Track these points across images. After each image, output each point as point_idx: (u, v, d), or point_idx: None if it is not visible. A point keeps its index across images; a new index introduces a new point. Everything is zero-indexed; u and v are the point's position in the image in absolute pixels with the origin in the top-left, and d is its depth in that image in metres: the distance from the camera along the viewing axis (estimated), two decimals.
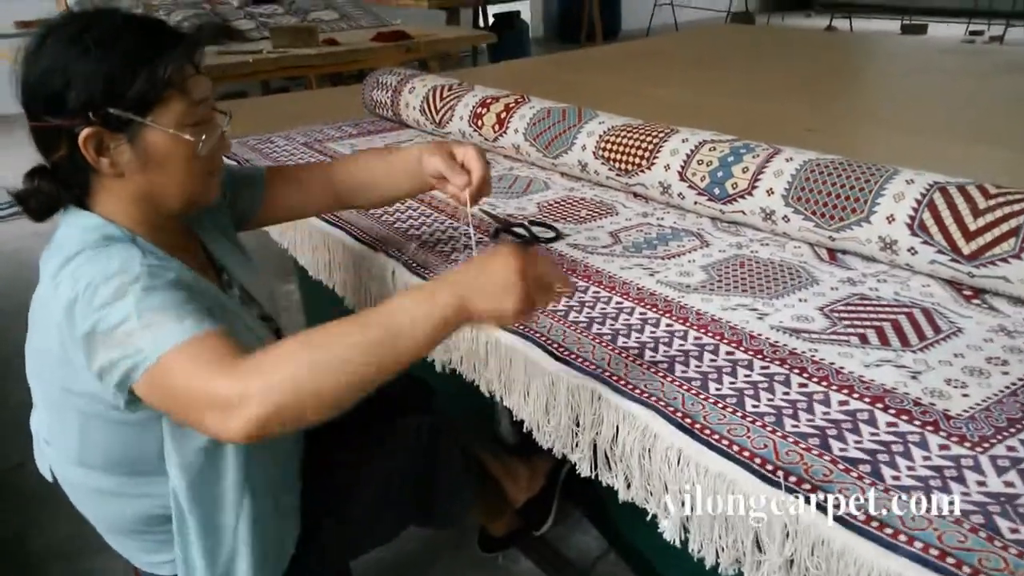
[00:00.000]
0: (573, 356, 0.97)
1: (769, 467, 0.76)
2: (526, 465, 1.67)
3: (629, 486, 0.89)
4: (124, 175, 0.91)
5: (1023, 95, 2.40)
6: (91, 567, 1.74)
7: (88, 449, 0.97)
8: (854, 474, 0.74)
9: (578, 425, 0.95)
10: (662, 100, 2.38)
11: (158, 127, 0.90)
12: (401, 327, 0.79)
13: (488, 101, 1.78)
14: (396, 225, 1.42)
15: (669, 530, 0.84)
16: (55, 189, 0.92)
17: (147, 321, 0.81)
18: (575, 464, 0.96)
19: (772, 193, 1.25)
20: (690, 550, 0.83)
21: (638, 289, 1.13)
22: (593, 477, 0.94)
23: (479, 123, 1.78)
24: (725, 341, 0.98)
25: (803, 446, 0.78)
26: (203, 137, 0.93)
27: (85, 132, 0.86)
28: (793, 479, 0.74)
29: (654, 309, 1.07)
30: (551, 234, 1.34)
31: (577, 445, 0.95)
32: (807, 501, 0.71)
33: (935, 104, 2.37)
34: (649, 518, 0.88)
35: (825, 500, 0.71)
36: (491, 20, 7.21)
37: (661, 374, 0.92)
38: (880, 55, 3.57)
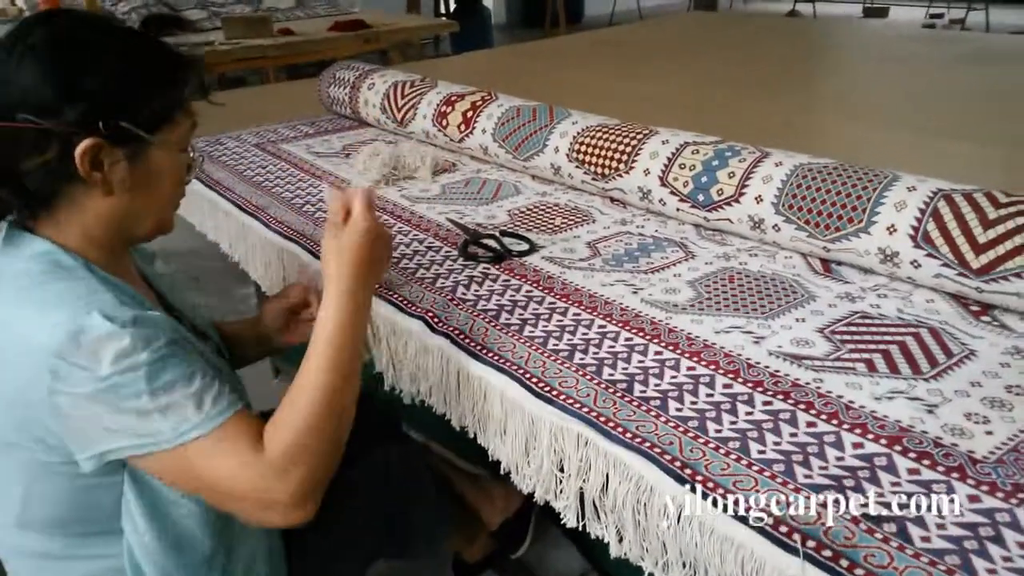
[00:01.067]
0: (555, 392, 0.87)
1: (783, 529, 0.67)
2: (502, 485, 1.58)
3: (621, 540, 0.80)
4: (112, 193, 0.84)
5: (987, 88, 2.35)
6: None
7: (32, 508, 0.86)
8: (879, 536, 0.65)
9: (562, 471, 0.85)
10: (634, 94, 2.29)
11: (163, 148, 0.86)
12: (348, 342, 0.87)
13: (453, 99, 1.68)
14: None
15: None
16: (13, 197, 0.82)
17: (163, 403, 0.77)
18: (560, 513, 0.87)
19: (761, 200, 1.16)
20: None
21: (622, 310, 1.04)
22: (581, 528, 0.85)
23: (443, 123, 1.67)
24: (721, 371, 0.89)
25: (819, 502, 0.69)
26: (200, 161, 0.94)
27: (87, 142, 0.79)
28: (812, 544, 0.65)
29: (641, 334, 0.98)
30: (524, 246, 1.24)
31: (562, 492, 0.86)
32: (830, 572, 0.63)
33: (900, 97, 2.32)
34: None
35: (851, 569, 0.63)
36: (452, 6, 7.08)
37: (654, 413, 0.83)
38: (842, 42, 3.52)
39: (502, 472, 0.94)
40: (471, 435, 0.99)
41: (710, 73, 2.63)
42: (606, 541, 0.82)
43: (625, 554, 0.80)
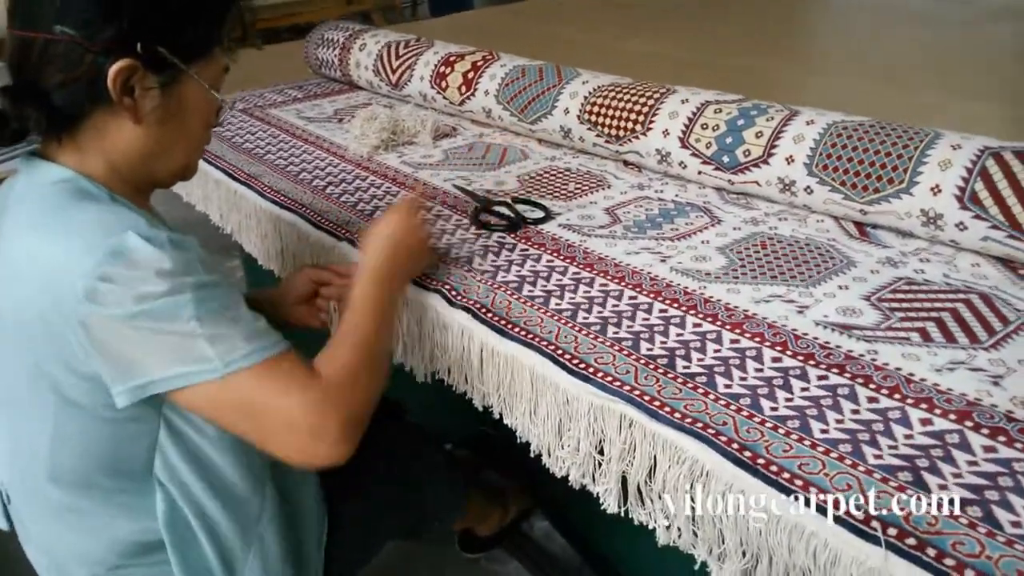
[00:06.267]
0: (591, 370, 0.81)
1: (859, 516, 0.62)
2: (502, 503, 1.54)
3: (669, 527, 0.75)
4: (141, 122, 0.78)
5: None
6: None
7: (61, 456, 0.79)
8: (964, 521, 0.60)
9: (602, 453, 0.79)
10: (640, 54, 2.21)
11: (196, 82, 0.81)
12: (388, 316, 0.90)
13: (452, 59, 1.59)
14: (359, 207, 1.24)
15: None
16: (38, 116, 0.75)
17: (212, 331, 0.72)
18: (599, 496, 0.81)
19: (792, 161, 1.10)
20: None
21: (651, 279, 0.97)
22: (622, 514, 0.79)
23: (442, 84, 1.58)
24: (767, 344, 0.83)
25: (894, 484, 0.64)
26: (229, 106, 0.89)
27: (121, 63, 0.74)
28: (894, 531, 0.60)
29: (675, 304, 0.92)
30: (539, 213, 1.17)
31: (602, 475, 0.80)
32: (916, 561, 0.58)
33: (922, 57, 2.22)
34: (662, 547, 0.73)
35: (939, 559, 0.57)
36: None
37: (701, 391, 0.77)
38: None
39: (532, 454, 0.88)
40: (496, 415, 0.93)
41: (717, 33, 2.53)
42: (651, 527, 0.77)
43: (673, 541, 0.75)
